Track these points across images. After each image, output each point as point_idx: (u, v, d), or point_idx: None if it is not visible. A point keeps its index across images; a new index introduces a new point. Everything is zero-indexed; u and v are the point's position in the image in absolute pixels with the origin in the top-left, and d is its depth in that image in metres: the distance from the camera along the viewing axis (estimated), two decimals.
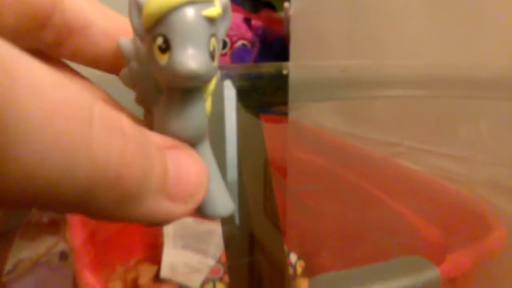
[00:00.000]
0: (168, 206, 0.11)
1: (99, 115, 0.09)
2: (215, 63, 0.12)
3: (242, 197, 0.36)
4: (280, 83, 0.48)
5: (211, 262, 0.49)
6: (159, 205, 0.10)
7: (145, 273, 0.48)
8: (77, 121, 0.08)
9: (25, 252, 0.49)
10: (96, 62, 0.14)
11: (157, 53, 0.11)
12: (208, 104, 0.13)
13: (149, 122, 0.14)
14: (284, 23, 0.84)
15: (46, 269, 0.48)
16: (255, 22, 0.84)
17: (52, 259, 0.49)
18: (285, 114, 0.52)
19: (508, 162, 0.37)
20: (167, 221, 0.11)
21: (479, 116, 0.41)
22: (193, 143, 0.13)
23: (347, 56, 0.58)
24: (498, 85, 0.38)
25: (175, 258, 0.50)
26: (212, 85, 0.13)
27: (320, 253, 0.48)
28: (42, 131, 0.08)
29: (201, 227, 0.52)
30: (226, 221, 0.35)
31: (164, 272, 0.49)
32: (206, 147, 0.13)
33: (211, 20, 0.11)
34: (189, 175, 0.11)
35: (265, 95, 0.44)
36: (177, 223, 0.51)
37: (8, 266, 0.48)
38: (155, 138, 0.11)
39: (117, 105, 0.15)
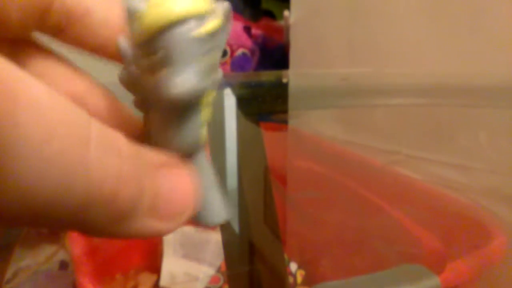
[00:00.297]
0: (155, 225, 0.11)
1: (96, 135, 0.09)
2: (211, 78, 0.11)
3: (242, 205, 0.36)
4: (280, 91, 0.48)
5: (211, 271, 0.49)
6: (147, 224, 0.10)
7: (145, 282, 0.48)
8: (75, 141, 0.08)
9: (25, 260, 0.49)
10: (97, 50, 0.14)
11: (146, 72, 0.11)
12: (206, 112, 0.13)
13: (147, 126, 0.14)
14: (284, 31, 0.84)
15: (46, 278, 0.48)
16: (255, 31, 0.85)
17: (52, 267, 0.49)
18: (285, 122, 0.52)
19: (507, 171, 0.37)
20: (152, 236, 0.11)
21: (478, 124, 0.41)
22: (188, 154, 0.13)
23: (347, 64, 0.58)
24: (497, 93, 0.38)
25: (174, 267, 0.50)
26: (210, 95, 0.12)
27: (320, 262, 0.48)
28: (39, 150, 0.08)
29: (201, 236, 0.52)
30: (225, 230, 0.35)
31: (164, 281, 0.49)
32: (202, 156, 0.13)
33: (208, 35, 0.11)
34: (179, 195, 0.11)
35: (265, 103, 0.44)
36: (177, 232, 0.51)
37: (8, 274, 0.48)
38: (149, 155, 0.11)
39: (119, 107, 0.15)
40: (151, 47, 0.11)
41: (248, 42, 0.82)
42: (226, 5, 0.11)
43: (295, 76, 0.58)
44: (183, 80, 0.10)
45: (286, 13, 0.82)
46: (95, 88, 0.14)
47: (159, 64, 0.11)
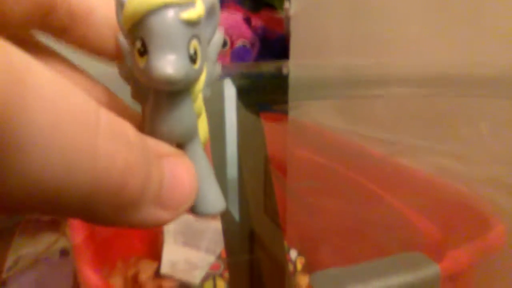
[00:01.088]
0: (159, 213, 0.11)
1: (105, 122, 0.09)
2: (197, 66, 0.11)
3: (242, 194, 0.36)
4: (280, 82, 0.48)
5: (211, 258, 0.49)
6: (152, 213, 0.10)
7: (146, 270, 0.48)
8: (83, 129, 0.08)
9: (26, 248, 0.49)
10: (99, 51, 0.14)
11: (136, 55, 0.11)
12: (198, 103, 0.13)
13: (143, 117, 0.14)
14: (284, 22, 0.84)
15: (47, 266, 0.48)
16: (255, 22, 0.84)
17: (52, 255, 0.49)
18: (285, 112, 0.52)
19: (507, 160, 0.37)
20: (155, 226, 0.11)
21: (479, 114, 0.41)
22: (181, 143, 0.13)
23: (347, 54, 0.58)
24: (498, 83, 0.38)
25: (175, 254, 0.50)
26: (200, 85, 0.13)
27: (320, 250, 0.48)
28: (48, 138, 0.08)
29: (201, 224, 0.52)
30: (226, 218, 0.35)
31: (165, 269, 0.49)
32: (196, 146, 0.13)
33: (191, 23, 0.11)
34: (182, 184, 0.11)
35: (265, 94, 0.44)
36: (177, 220, 0.51)
37: (9, 262, 0.48)
38: (153, 145, 0.11)
39: (119, 103, 0.15)
40: (135, 34, 0.11)
41: (248, 33, 0.82)
42: None
43: (295, 67, 0.58)
44: (162, 64, 0.10)
45: (286, 4, 0.81)
46: (95, 86, 0.14)
47: (143, 50, 0.11)
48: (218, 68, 0.14)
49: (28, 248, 0.49)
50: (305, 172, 0.53)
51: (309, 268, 0.48)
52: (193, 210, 0.13)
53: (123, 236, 0.50)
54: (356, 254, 0.41)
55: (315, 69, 0.54)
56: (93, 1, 0.13)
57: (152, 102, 0.12)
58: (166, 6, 0.10)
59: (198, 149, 0.13)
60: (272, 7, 0.90)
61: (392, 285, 0.28)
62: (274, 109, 0.51)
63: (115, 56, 0.14)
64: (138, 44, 0.11)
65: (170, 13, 0.11)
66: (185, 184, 0.11)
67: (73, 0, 0.13)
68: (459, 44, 0.43)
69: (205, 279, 0.47)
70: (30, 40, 0.14)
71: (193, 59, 0.11)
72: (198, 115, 0.13)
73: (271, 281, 0.34)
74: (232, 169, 0.36)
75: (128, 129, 0.10)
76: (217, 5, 0.12)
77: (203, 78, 0.12)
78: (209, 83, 0.14)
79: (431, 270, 0.29)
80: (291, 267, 0.48)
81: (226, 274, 0.47)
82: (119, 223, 0.10)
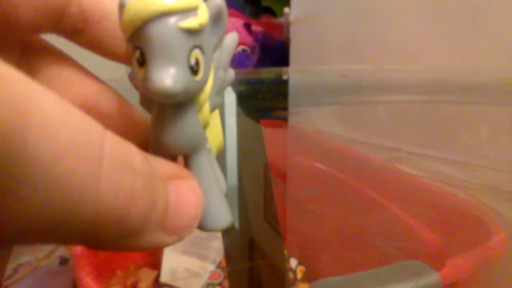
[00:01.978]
0: (162, 238, 0.10)
1: (110, 151, 0.09)
2: (199, 77, 0.11)
3: (242, 201, 0.36)
4: (280, 88, 0.48)
5: (211, 267, 0.49)
6: (155, 238, 0.10)
7: (145, 278, 0.48)
8: (86, 160, 0.08)
9: (25, 256, 0.49)
10: (112, 54, 0.14)
11: (135, 65, 0.11)
12: (204, 113, 0.12)
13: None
14: (284, 28, 0.84)
15: (46, 274, 0.48)
16: (255, 28, 0.85)
17: (52, 263, 0.49)
18: (285, 119, 0.52)
19: (508, 167, 0.37)
20: (156, 249, 0.11)
21: (479, 121, 0.41)
22: (186, 154, 0.12)
23: (347, 61, 0.58)
24: (498, 90, 0.38)
25: (175, 263, 0.50)
26: (205, 95, 0.12)
27: (320, 258, 0.48)
28: (49, 171, 0.07)
29: (201, 232, 0.52)
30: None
31: (164, 277, 0.49)
32: (202, 157, 0.13)
33: (192, 32, 0.10)
34: (187, 209, 0.11)
35: (265, 100, 0.44)
36: None
37: (8, 270, 0.48)
38: (159, 167, 0.11)
39: (129, 108, 0.14)
40: (134, 42, 0.10)
41: (248, 39, 0.82)
42: (218, 3, 0.11)
43: (295, 73, 0.58)
44: (160, 77, 0.10)
45: (286, 10, 0.82)
46: (106, 91, 0.14)
47: (141, 61, 0.10)
48: (230, 74, 0.13)
49: (28, 256, 0.49)
50: (305, 179, 0.52)
51: (309, 277, 0.48)
52: (199, 226, 0.13)
53: None
54: (356, 262, 0.41)
55: (315, 75, 0.54)
56: (106, 5, 0.13)
57: (156, 112, 0.12)
58: (165, 14, 0.10)
59: (204, 161, 0.13)
60: (272, 13, 0.90)
61: None
62: (274, 116, 0.51)
63: (128, 60, 0.14)
64: (137, 54, 0.10)
65: (169, 22, 0.10)
66: (191, 208, 0.11)
67: (86, 5, 0.13)
68: (459, 51, 0.43)
69: None
70: (41, 44, 0.14)
71: (194, 70, 0.10)
72: (205, 125, 0.12)
73: None
74: (232, 176, 0.36)
75: (134, 156, 0.09)
76: (224, 10, 0.11)
77: (208, 87, 0.12)
78: (220, 90, 0.13)
79: (432, 278, 0.29)
80: (291, 276, 0.48)
81: (226, 283, 0.46)
82: (121, 248, 0.10)
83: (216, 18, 0.11)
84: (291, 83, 0.51)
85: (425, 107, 0.45)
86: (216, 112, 0.15)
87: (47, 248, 0.50)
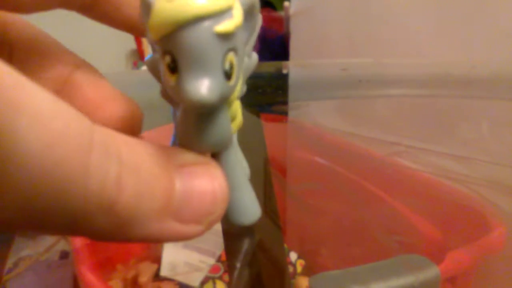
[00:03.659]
0: (178, 228, 0.10)
1: (98, 141, 0.09)
2: (233, 81, 0.10)
3: None
4: (280, 82, 0.48)
5: (211, 260, 0.49)
6: (166, 227, 0.10)
7: (145, 272, 0.48)
8: (76, 149, 0.08)
9: (26, 250, 0.50)
10: (122, 26, 0.14)
11: (166, 70, 0.10)
12: (234, 107, 0.12)
13: (176, 118, 0.13)
14: (284, 22, 0.84)
15: (46, 268, 0.48)
16: None
17: (52, 257, 0.49)
18: (285, 113, 0.52)
19: (508, 161, 0.37)
20: (181, 240, 0.11)
21: (479, 115, 0.41)
22: (215, 152, 0.12)
23: (347, 55, 0.58)
24: (498, 84, 0.38)
25: (175, 256, 0.50)
26: (236, 93, 0.11)
27: (320, 252, 0.48)
28: (41, 160, 0.08)
29: None
30: (226, 220, 0.35)
31: (164, 271, 0.49)
32: (231, 154, 0.12)
33: (227, 35, 0.09)
34: (203, 195, 0.11)
35: (265, 94, 0.44)
36: None
37: (9, 264, 0.48)
38: (168, 156, 0.11)
39: (103, 81, 0.14)
40: (165, 47, 0.10)
41: None
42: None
43: (295, 67, 0.58)
44: (195, 87, 0.09)
45: (286, 3, 0.81)
46: (118, 95, 0.14)
47: (173, 67, 0.10)
48: (254, 59, 0.13)
49: (28, 250, 0.49)
50: (305, 174, 0.52)
51: (309, 271, 0.48)
52: (227, 220, 0.13)
53: None
54: (356, 256, 0.41)
55: (315, 69, 0.53)
56: None
57: (185, 113, 0.11)
58: (199, 19, 0.09)
59: (232, 156, 0.12)
60: (272, 6, 0.90)
61: (391, 287, 0.28)
62: (274, 110, 0.51)
63: (139, 32, 0.14)
64: (168, 59, 0.10)
65: (204, 28, 0.09)
66: (206, 194, 0.11)
67: None
68: (459, 45, 0.43)
69: (204, 281, 0.47)
70: (53, 45, 0.14)
71: (228, 75, 0.10)
72: (233, 119, 0.12)
73: (271, 283, 0.34)
74: None
75: (120, 146, 0.09)
76: (257, 3, 0.10)
77: (240, 84, 0.11)
78: (245, 78, 0.13)
79: (431, 272, 0.29)
80: (291, 270, 0.48)
81: (226, 277, 0.47)
82: (122, 239, 0.10)
83: (248, 13, 0.10)
84: (291, 77, 0.51)
85: (426, 101, 0.45)
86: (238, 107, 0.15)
87: (47, 242, 0.50)
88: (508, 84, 0.37)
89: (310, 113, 0.56)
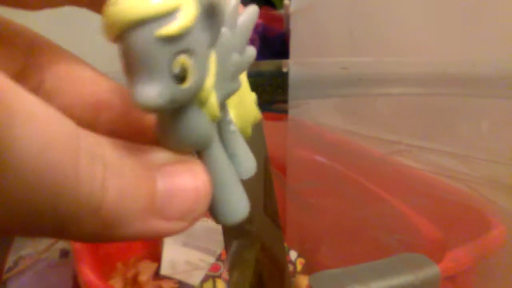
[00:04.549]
0: (162, 225, 0.10)
1: (85, 145, 0.09)
2: (187, 83, 0.10)
3: None
4: (280, 80, 0.48)
5: (211, 259, 0.49)
6: (150, 225, 0.10)
7: (145, 270, 0.48)
8: (67, 154, 0.08)
9: (26, 249, 0.50)
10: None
11: (124, 72, 0.10)
12: (210, 107, 0.11)
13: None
14: (284, 20, 0.84)
15: (47, 266, 0.48)
16: None
17: (52, 256, 0.49)
18: (285, 111, 0.52)
19: (508, 160, 0.37)
20: (165, 236, 0.11)
21: (479, 113, 0.41)
22: (196, 150, 0.12)
23: (347, 53, 0.58)
24: (498, 83, 0.38)
25: (175, 255, 0.50)
26: (206, 90, 0.11)
27: (320, 250, 0.48)
28: (34, 164, 0.08)
29: (201, 224, 0.52)
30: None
31: (164, 269, 0.49)
32: (214, 151, 0.12)
33: (171, 38, 0.09)
34: (184, 192, 0.11)
35: (265, 93, 0.44)
36: None
37: (9, 263, 0.48)
38: (148, 156, 0.11)
39: (126, 95, 0.14)
40: (119, 49, 0.10)
41: None
42: None
43: (295, 65, 0.58)
44: (139, 92, 0.09)
45: (286, 2, 0.81)
46: (118, 90, 0.14)
47: (125, 69, 0.10)
48: (249, 54, 0.12)
49: (28, 249, 0.49)
50: (305, 172, 0.52)
51: (308, 269, 0.48)
52: (214, 218, 0.13)
53: None
54: (356, 255, 0.41)
55: (315, 67, 0.53)
56: None
57: (157, 115, 0.11)
58: (140, 23, 0.09)
59: (217, 155, 0.12)
60: (271, 4, 0.90)
61: (391, 286, 0.28)
62: (274, 108, 0.51)
63: None
64: (122, 61, 0.10)
65: (145, 32, 0.09)
66: (189, 191, 0.11)
67: None
68: (460, 43, 0.43)
69: (204, 280, 0.47)
70: (46, 44, 0.14)
71: (180, 77, 0.10)
72: (213, 118, 0.12)
73: (271, 282, 0.34)
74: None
75: (105, 149, 0.10)
76: (219, 2, 0.10)
77: (209, 82, 0.11)
78: (236, 75, 0.12)
79: (431, 270, 0.29)
80: (290, 268, 0.48)
81: (226, 275, 0.47)
82: (109, 239, 0.10)
83: (209, 12, 0.10)
84: (291, 76, 0.51)
85: (426, 100, 0.45)
86: (245, 85, 0.14)
87: (47, 241, 0.50)
88: (508, 83, 0.37)
89: (310, 112, 0.56)
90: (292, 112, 0.52)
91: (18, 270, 0.47)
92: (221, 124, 0.13)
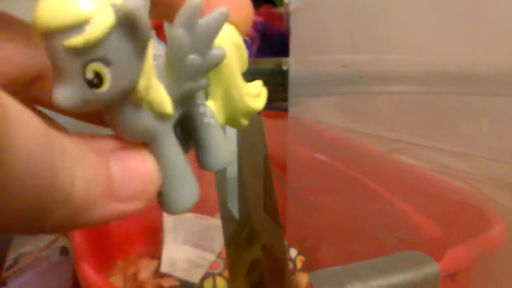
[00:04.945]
0: (118, 207, 0.11)
1: (54, 139, 0.10)
2: (104, 87, 0.10)
3: (242, 192, 0.36)
4: (280, 78, 0.48)
5: (211, 257, 0.49)
6: (109, 208, 0.11)
7: (145, 268, 0.48)
8: (45, 150, 0.09)
9: (26, 247, 0.50)
10: None
11: None
12: (154, 104, 0.12)
13: None
14: (284, 18, 0.84)
15: (47, 264, 0.48)
16: (255, 18, 0.84)
17: (52, 254, 0.49)
18: (285, 109, 0.52)
19: (508, 158, 0.37)
20: (119, 219, 0.12)
21: (479, 111, 0.41)
22: (144, 142, 0.12)
23: (347, 51, 0.58)
24: (499, 81, 0.38)
25: (175, 253, 0.50)
26: (138, 94, 0.11)
27: (320, 248, 0.48)
28: (26, 161, 0.08)
29: (201, 222, 0.52)
30: (226, 216, 0.35)
31: (164, 267, 0.49)
32: (162, 144, 0.13)
33: (81, 48, 0.10)
34: (137, 174, 0.12)
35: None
36: (177, 218, 0.51)
37: (9, 261, 0.48)
38: (99, 143, 0.12)
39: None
40: None
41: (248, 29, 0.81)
42: (126, 9, 0.10)
43: (295, 63, 0.58)
44: (54, 93, 0.10)
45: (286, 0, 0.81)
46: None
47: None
48: (213, 56, 0.13)
49: (28, 247, 0.49)
50: (305, 170, 0.52)
51: (308, 267, 0.48)
52: (164, 207, 0.13)
53: (123, 235, 0.50)
54: (356, 252, 0.41)
55: (316, 65, 0.53)
56: None
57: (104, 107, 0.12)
58: (52, 32, 0.10)
59: (165, 146, 0.13)
60: (272, 2, 0.90)
61: (391, 283, 0.28)
62: (274, 106, 0.51)
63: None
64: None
65: (56, 41, 0.10)
66: (141, 172, 0.12)
67: None
68: (460, 41, 0.43)
69: (204, 278, 0.47)
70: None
71: (94, 83, 0.10)
72: (160, 114, 0.12)
73: (271, 280, 0.34)
74: (231, 167, 0.36)
75: (68, 142, 0.10)
76: (138, 15, 0.10)
77: (144, 83, 0.11)
78: (197, 75, 0.13)
79: (431, 268, 0.29)
80: (290, 266, 0.48)
81: (226, 273, 0.47)
82: (74, 227, 0.11)
83: (125, 23, 0.10)
84: (291, 74, 0.51)
85: (426, 98, 0.45)
86: (232, 78, 0.15)
87: (48, 239, 0.50)
88: (508, 81, 0.37)
89: (310, 110, 0.56)
90: (292, 110, 0.52)
91: (18, 268, 0.47)
92: (195, 115, 0.14)
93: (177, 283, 0.48)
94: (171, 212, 0.13)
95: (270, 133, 0.40)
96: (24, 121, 0.09)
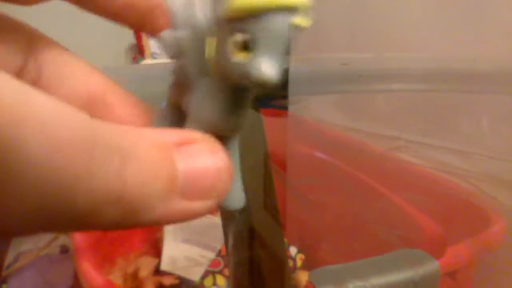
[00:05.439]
0: (186, 205, 0.11)
1: (100, 137, 0.09)
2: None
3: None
4: (280, 76, 0.48)
5: (211, 255, 0.49)
6: (174, 207, 0.10)
7: (146, 266, 0.48)
8: (79, 152, 0.08)
9: (26, 245, 0.50)
10: (118, 18, 0.14)
11: (232, 47, 0.11)
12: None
13: (173, 94, 0.14)
14: None
15: (47, 262, 0.48)
16: None
17: (52, 252, 0.49)
18: (285, 107, 0.52)
19: (508, 156, 0.37)
20: (189, 219, 0.11)
21: (479, 110, 0.41)
22: (226, 135, 0.12)
23: (347, 49, 0.58)
24: (499, 79, 0.38)
25: (175, 251, 0.50)
26: None
27: (320, 246, 0.48)
28: (45, 167, 0.08)
29: (201, 220, 0.52)
30: (226, 214, 0.35)
31: (164, 265, 0.49)
32: (234, 141, 0.13)
33: (297, 29, 0.10)
34: (206, 170, 0.11)
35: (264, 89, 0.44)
36: None
37: (9, 259, 0.48)
38: (163, 137, 0.11)
39: (132, 98, 0.15)
40: (238, 26, 0.10)
41: None
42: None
43: (295, 61, 0.58)
44: (269, 68, 0.10)
45: None
46: (111, 84, 0.15)
47: (244, 46, 0.10)
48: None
49: (29, 245, 0.49)
50: (305, 168, 0.52)
51: (308, 265, 0.48)
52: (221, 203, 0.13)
53: (123, 233, 0.50)
54: (356, 250, 0.41)
55: (315, 63, 0.53)
56: None
57: (211, 88, 0.12)
58: (283, 9, 0.10)
59: (235, 144, 0.13)
60: None
61: (391, 281, 0.28)
62: (274, 104, 0.50)
63: (131, 23, 0.14)
64: (239, 38, 0.10)
65: (286, 18, 0.10)
66: (209, 169, 0.11)
67: None
68: (460, 39, 0.43)
69: (205, 276, 0.47)
70: (45, 41, 0.14)
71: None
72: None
73: (271, 277, 0.34)
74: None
75: (121, 138, 0.10)
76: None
77: None
78: None
79: (431, 266, 0.29)
80: (291, 264, 0.48)
81: (226, 271, 0.47)
82: (132, 225, 0.10)
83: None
84: (291, 72, 0.51)
85: (426, 96, 0.45)
86: None
87: (47, 237, 0.50)
88: (508, 79, 0.37)
89: (310, 108, 0.56)
90: (292, 108, 0.52)
91: (19, 266, 0.47)
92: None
93: (177, 281, 0.48)
94: (224, 208, 0.13)
95: (270, 131, 0.39)
96: (46, 121, 0.08)
